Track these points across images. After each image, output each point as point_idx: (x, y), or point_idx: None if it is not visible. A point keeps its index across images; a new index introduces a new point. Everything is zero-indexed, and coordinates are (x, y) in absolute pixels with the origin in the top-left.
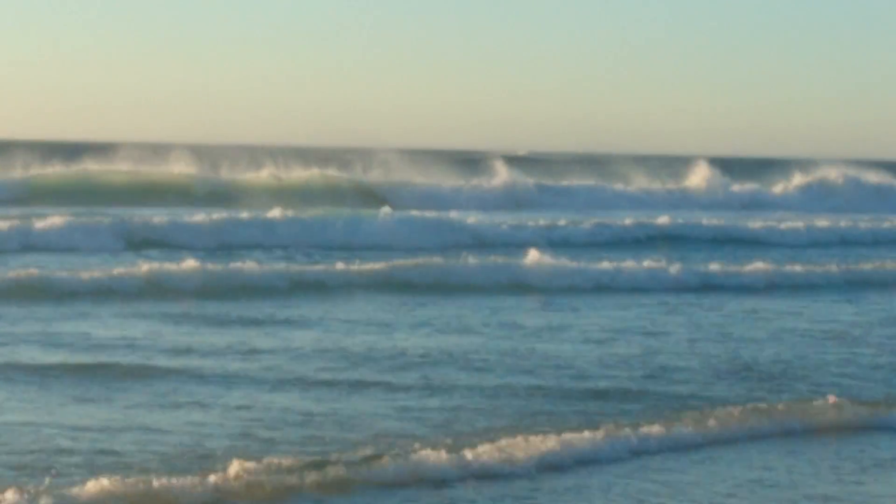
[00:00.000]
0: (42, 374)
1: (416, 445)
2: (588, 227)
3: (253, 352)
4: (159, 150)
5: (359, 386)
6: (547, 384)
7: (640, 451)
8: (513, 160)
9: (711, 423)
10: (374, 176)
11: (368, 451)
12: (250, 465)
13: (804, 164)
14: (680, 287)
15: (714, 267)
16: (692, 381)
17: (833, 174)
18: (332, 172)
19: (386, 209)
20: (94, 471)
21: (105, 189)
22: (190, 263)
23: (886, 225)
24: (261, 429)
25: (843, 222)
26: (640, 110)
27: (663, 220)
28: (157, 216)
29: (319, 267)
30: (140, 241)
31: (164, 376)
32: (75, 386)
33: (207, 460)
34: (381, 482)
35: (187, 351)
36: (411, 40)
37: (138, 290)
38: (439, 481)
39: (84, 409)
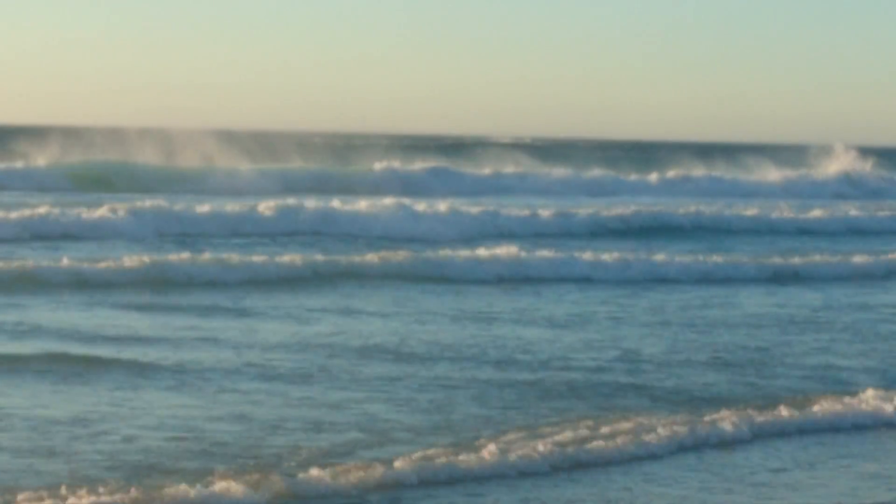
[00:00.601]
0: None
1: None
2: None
3: (214, 341)
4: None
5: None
6: (531, 377)
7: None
8: (500, 147)
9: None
10: (366, 162)
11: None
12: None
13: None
14: (645, 278)
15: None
16: (675, 373)
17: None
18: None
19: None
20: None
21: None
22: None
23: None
24: (266, 420)
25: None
26: (629, 97)
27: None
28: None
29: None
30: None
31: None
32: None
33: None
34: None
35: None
36: (399, 28)
37: (131, 280)
38: (452, 481)
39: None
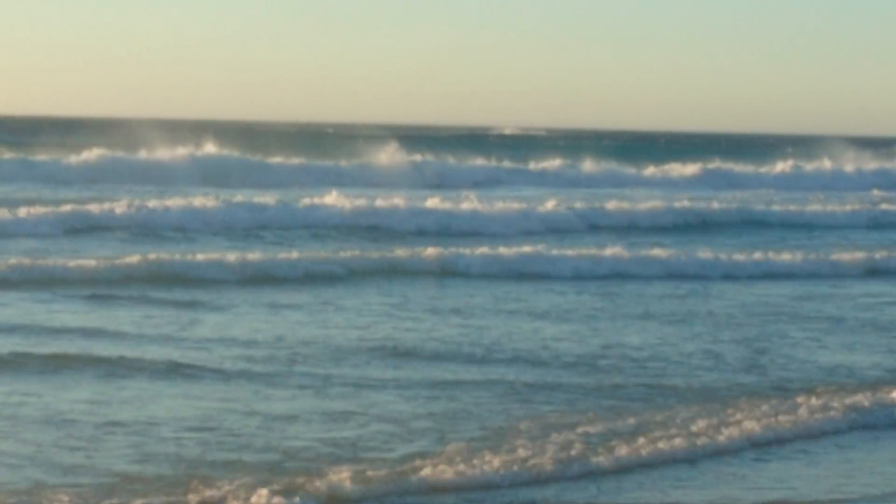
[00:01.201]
0: None
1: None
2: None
3: (214, 336)
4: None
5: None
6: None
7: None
8: (502, 138)
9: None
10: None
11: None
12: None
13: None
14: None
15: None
16: (676, 371)
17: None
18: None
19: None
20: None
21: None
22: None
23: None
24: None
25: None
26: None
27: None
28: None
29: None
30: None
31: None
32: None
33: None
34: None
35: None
36: (402, 22)
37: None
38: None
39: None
